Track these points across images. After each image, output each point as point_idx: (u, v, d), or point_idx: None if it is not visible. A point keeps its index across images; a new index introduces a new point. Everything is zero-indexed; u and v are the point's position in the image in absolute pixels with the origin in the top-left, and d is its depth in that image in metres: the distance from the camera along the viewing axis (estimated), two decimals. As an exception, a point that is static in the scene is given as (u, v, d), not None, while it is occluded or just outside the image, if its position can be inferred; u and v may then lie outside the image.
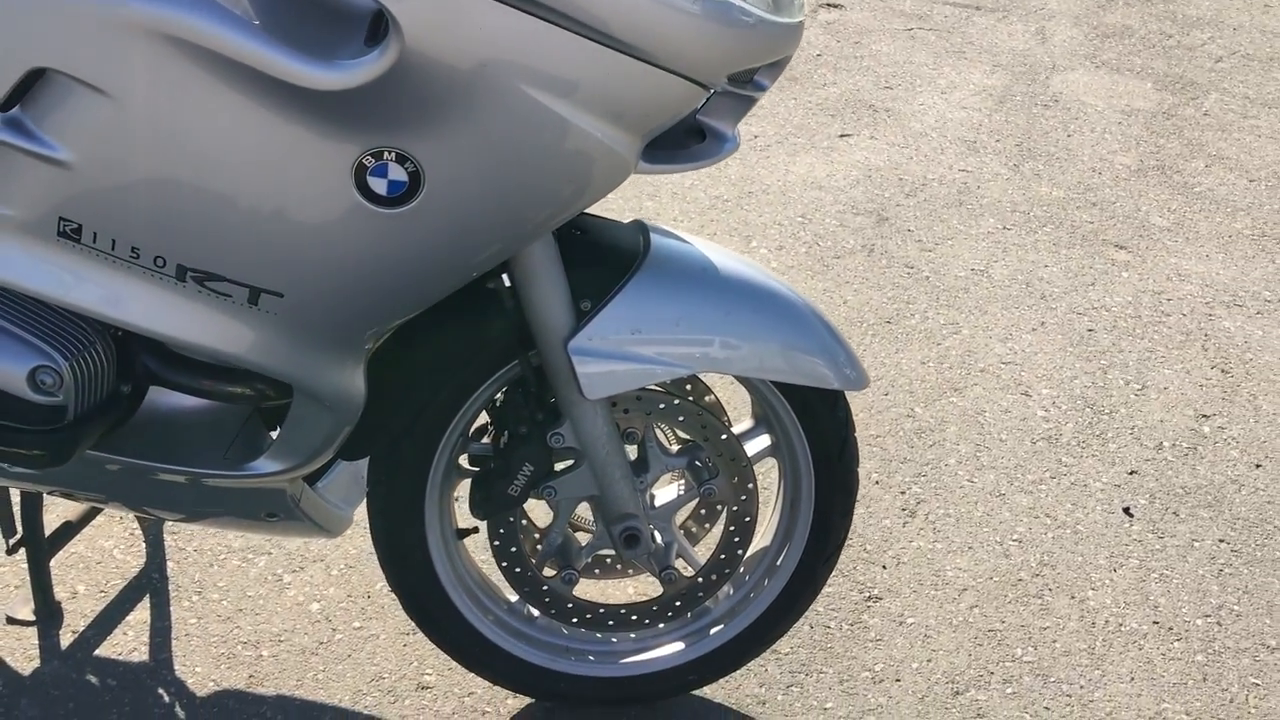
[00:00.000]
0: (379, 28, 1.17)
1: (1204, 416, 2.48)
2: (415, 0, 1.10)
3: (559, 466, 1.56)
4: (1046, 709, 1.81)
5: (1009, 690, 1.84)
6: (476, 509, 1.56)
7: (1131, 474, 2.30)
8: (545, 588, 1.64)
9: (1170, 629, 1.96)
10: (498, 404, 1.58)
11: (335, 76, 1.14)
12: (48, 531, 1.74)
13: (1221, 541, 2.14)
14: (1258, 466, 2.34)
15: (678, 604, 1.67)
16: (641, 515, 1.58)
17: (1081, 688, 1.85)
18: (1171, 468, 2.32)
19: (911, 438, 2.35)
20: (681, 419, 1.57)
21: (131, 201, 1.23)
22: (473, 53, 1.14)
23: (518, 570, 1.62)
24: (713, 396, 1.68)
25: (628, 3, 1.13)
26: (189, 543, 1.96)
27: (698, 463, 1.62)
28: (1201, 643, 1.93)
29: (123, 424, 1.42)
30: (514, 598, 1.72)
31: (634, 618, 1.68)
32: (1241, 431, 2.43)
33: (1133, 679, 1.86)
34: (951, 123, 3.73)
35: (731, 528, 1.64)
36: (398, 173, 1.20)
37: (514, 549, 1.61)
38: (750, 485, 1.61)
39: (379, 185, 1.21)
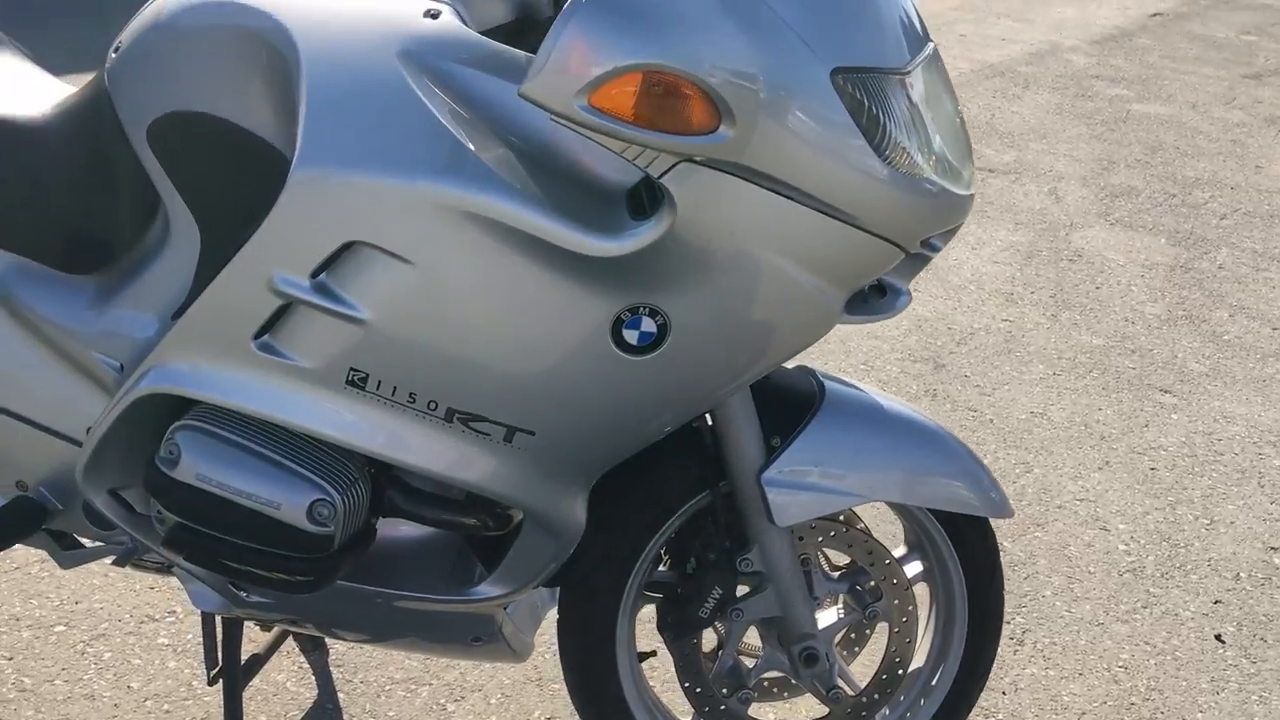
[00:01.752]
0: (639, 200, 1.34)
1: (1272, 549, 2.63)
2: (690, 182, 1.27)
3: (739, 591, 1.69)
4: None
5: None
6: (667, 630, 1.67)
7: (1216, 603, 2.44)
8: (723, 707, 1.74)
9: (1279, 747, 2.07)
10: (675, 534, 1.71)
11: (614, 244, 1.30)
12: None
13: (1311, 665, 2.28)
14: (1331, 594, 2.48)
15: (845, 724, 1.78)
16: (818, 636, 1.69)
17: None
18: (1252, 597, 2.46)
19: (1006, 570, 2.48)
20: (850, 545, 1.70)
21: (416, 353, 1.37)
22: (726, 223, 1.30)
23: (699, 690, 1.73)
24: (862, 524, 1.82)
25: (852, 180, 1.30)
26: (355, 674, 2.04)
27: (857, 587, 1.75)
28: (1310, 760, 2.05)
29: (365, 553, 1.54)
30: (685, 719, 1.82)
31: (802, 737, 1.78)
32: (1310, 562, 2.58)
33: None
34: (987, 276, 3.95)
35: (893, 648, 1.76)
36: (649, 325, 1.36)
37: (697, 670, 1.72)
38: (910, 608, 1.74)
39: (631, 336, 1.36)
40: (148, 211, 1.49)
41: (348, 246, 1.32)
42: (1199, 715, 2.14)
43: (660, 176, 1.27)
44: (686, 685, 1.73)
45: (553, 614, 1.73)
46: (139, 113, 1.44)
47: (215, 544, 1.46)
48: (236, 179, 1.41)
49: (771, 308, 1.37)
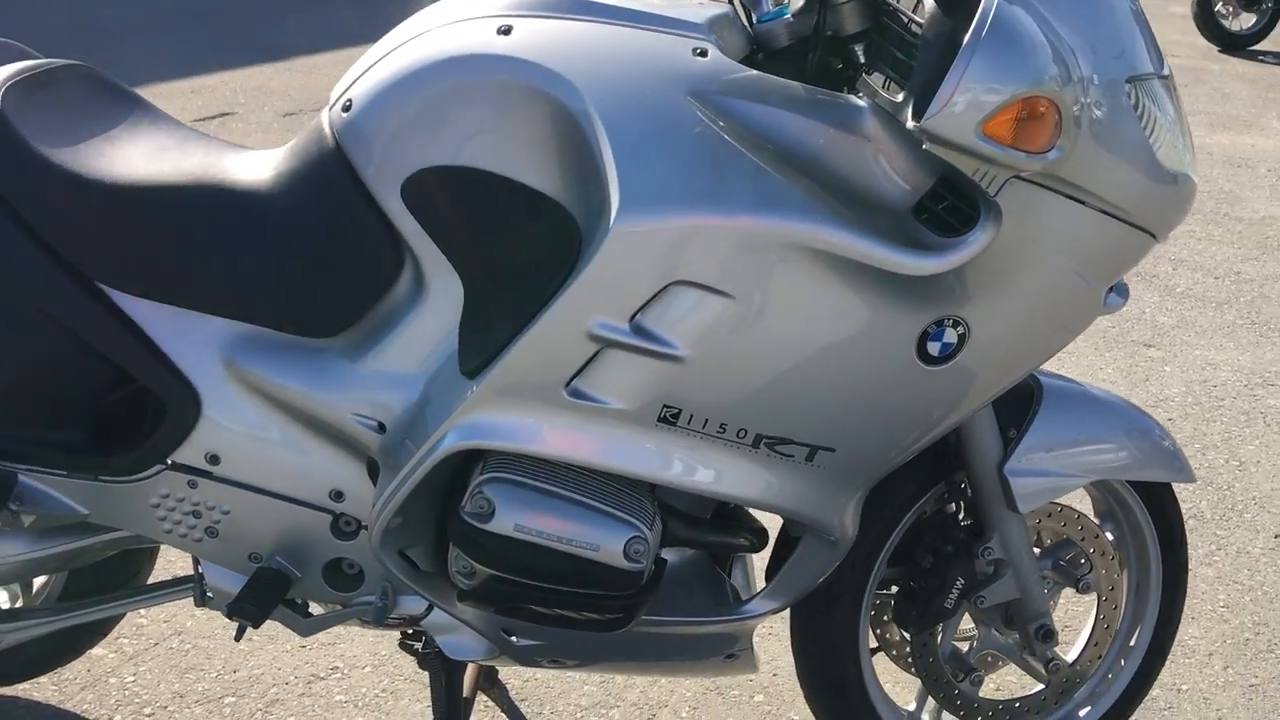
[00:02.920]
0: (941, 218, 1.36)
1: (1300, 481, 2.85)
2: (1015, 197, 1.32)
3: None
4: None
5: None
6: (911, 624, 1.72)
7: (1276, 537, 2.63)
8: (957, 691, 1.81)
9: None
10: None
11: (937, 261, 1.33)
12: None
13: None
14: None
15: (1061, 692, 1.86)
16: (1050, 613, 1.77)
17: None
18: (1303, 527, 2.67)
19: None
20: (1064, 522, 1.79)
21: (730, 384, 1.38)
22: (1034, 231, 1.36)
23: (936, 678, 1.79)
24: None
25: (1137, 180, 1.37)
26: (542, 706, 2.01)
27: (1061, 561, 1.83)
28: None
29: None
30: (909, 708, 1.88)
31: (1026, 710, 1.86)
32: (1337, 490, 2.81)
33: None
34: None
35: (1101, 616, 1.85)
36: (950, 335, 1.40)
37: (933, 659, 1.77)
38: (1117, 576, 1.83)
39: (934, 347, 1.40)
40: (393, 268, 1.44)
41: (667, 286, 1.32)
42: (1307, 642, 2.31)
43: (996, 194, 1.32)
44: (924, 675, 1.78)
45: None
46: (390, 170, 1.39)
47: (528, 591, 1.44)
48: (507, 230, 1.39)
49: (1055, 309, 1.44)
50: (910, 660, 1.80)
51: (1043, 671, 1.82)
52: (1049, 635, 1.77)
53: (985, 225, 1.34)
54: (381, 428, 1.48)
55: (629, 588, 1.44)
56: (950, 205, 1.37)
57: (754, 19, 1.48)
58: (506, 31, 1.38)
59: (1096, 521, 1.84)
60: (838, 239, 1.31)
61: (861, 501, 1.55)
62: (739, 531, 1.57)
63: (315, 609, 1.65)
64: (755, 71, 1.39)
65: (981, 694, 1.84)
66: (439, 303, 1.44)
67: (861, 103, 1.38)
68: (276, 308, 1.47)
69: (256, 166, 1.50)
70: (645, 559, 1.43)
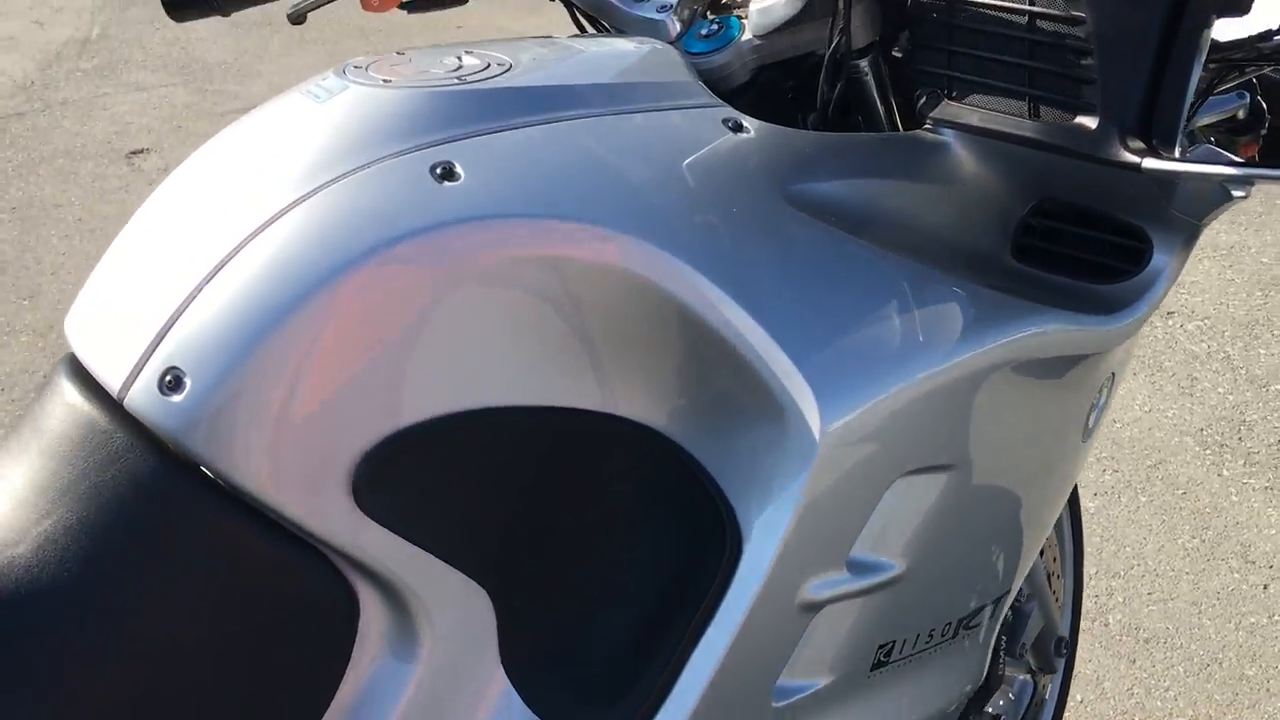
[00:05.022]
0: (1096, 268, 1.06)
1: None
2: (1175, 238, 1.04)
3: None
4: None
5: None
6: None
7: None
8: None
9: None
10: None
11: (1130, 318, 1.03)
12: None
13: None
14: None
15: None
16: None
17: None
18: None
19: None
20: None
21: (945, 577, 1.05)
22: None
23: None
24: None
25: None
26: None
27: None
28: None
29: None
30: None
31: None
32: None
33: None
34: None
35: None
36: (1105, 391, 1.19)
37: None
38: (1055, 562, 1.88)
39: (1093, 416, 1.17)
40: (345, 633, 0.84)
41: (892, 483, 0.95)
42: None
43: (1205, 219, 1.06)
44: None
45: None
46: (317, 464, 0.77)
47: None
48: (579, 493, 0.88)
49: None
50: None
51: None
52: (1062, 642, 1.61)
53: (1168, 252, 1.02)
54: None
55: None
56: (1061, 236, 1.04)
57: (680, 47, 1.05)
58: (449, 175, 0.80)
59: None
60: (1038, 335, 0.96)
61: None
62: None
63: None
64: (819, 133, 1.01)
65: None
66: (454, 653, 0.85)
67: (943, 136, 1.05)
68: None
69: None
70: None
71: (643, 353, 0.84)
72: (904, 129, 1.11)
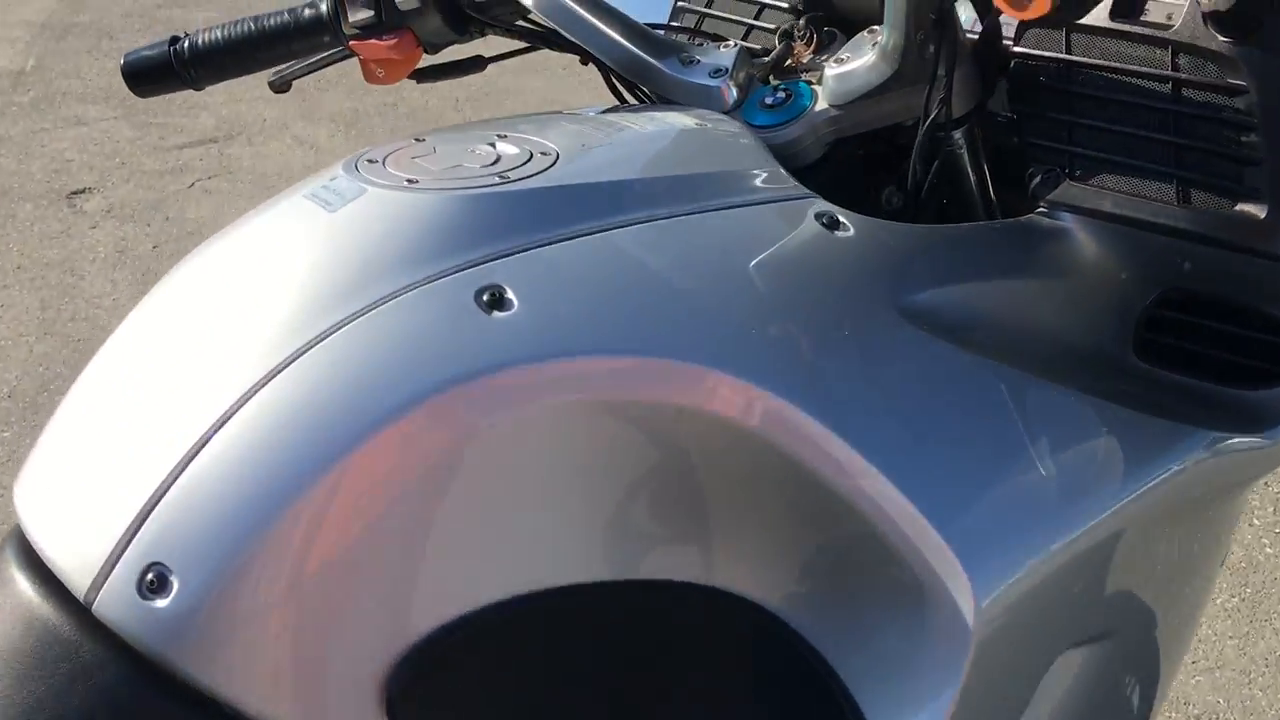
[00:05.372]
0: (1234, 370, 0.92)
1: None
2: None
3: None
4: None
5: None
6: None
7: (1302, 556, 2.52)
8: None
9: None
10: None
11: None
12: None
13: None
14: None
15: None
16: None
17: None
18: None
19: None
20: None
21: None
22: None
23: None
24: None
25: None
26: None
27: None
28: None
29: None
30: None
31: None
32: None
33: None
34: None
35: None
36: None
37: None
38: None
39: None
40: None
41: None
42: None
43: None
44: None
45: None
46: (339, 674, 0.64)
47: None
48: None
49: None
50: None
51: None
52: None
53: None
54: None
55: None
56: (1193, 331, 0.90)
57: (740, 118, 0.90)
58: (498, 302, 0.63)
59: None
60: (1206, 461, 0.83)
61: None
62: None
63: None
64: (913, 225, 0.85)
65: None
66: None
67: (1061, 221, 0.90)
68: None
69: None
70: None
71: (749, 518, 0.69)
72: (996, 199, 0.95)
